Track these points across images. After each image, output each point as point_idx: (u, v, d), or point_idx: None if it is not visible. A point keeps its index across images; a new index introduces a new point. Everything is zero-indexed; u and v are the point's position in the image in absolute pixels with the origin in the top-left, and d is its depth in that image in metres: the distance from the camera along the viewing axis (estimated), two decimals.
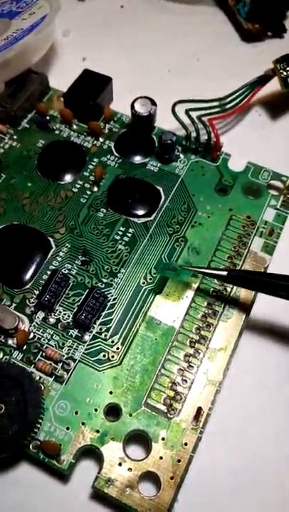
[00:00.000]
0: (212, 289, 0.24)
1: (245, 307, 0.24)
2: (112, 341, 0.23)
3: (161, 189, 0.28)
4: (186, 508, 0.20)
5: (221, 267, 0.25)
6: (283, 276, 0.22)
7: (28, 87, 0.31)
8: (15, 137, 0.30)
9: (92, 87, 0.30)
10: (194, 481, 0.21)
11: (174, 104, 0.29)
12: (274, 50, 0.32)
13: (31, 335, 0.23)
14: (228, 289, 0.24)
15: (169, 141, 0.27)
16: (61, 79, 0.32)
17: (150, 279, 0.25)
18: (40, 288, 0.24)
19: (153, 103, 0.29)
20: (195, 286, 0.25)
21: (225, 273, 0.23)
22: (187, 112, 0.28)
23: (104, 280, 0.25)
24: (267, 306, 0.25)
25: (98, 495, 0.20)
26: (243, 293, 0.24)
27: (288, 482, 0.21)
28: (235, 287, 0.24)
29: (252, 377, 0.23)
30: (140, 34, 0.37)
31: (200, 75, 0.35)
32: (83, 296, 0.24)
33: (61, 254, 0.26)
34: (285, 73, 0.30)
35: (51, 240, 0.26)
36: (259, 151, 0.30)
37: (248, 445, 0.22)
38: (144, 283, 0.25)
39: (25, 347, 0.23)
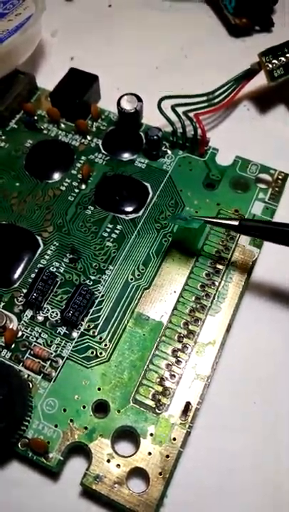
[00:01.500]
0: (200, 284, 0.24)
1: (234, 301, 0.24)
2: (100, 338, 0.23)
3: (148, 185, 0.28)
4: (176, 503, 0.20)
5: (209, 261, 0.25)
6: None
7: (16, 88, 0.31)
8: (3, 138, 0.30)
9: (79, 86, 0.30)
10: (184, 476, 0.21)
11: (160, 100, 0.28)
12: (262, 45, 0.31)
13: (19, 333, 0.23)
14: (216, 283, 0.24)
15: (155, 137, 0.27)
16: (50, 79, 0.32)
17: (138, 275, 0.25)
18: (28, 286, 0.24)
19: (139, 99, 0.29)
20: (183, 280, 0.24)
21: (236, 222, 0.23)
22: (173, 107, 0.28)
23: (93, 277, 0.25)
24: (254, 306, 0.25)
25: (88, 492, 0.20)
26: (232, 287, 0.24)
27: (281, 478, 0.21)
28: (224, 280, 0.24)
29: (241, 370, 0.23)
30: (128, 32, 0.37)
31: (188, 71, 0.34)
32: (70, 294, 0.24)
33: (49, 252, 0.25)
34: (270, 66, 0.30)
35: (39, 238, 0.26)
36: (247, 144, 0.30)
37: (238, 440, 0.22)
38: (132, 279, 0.25)
39: (13, 345, 0.23)
